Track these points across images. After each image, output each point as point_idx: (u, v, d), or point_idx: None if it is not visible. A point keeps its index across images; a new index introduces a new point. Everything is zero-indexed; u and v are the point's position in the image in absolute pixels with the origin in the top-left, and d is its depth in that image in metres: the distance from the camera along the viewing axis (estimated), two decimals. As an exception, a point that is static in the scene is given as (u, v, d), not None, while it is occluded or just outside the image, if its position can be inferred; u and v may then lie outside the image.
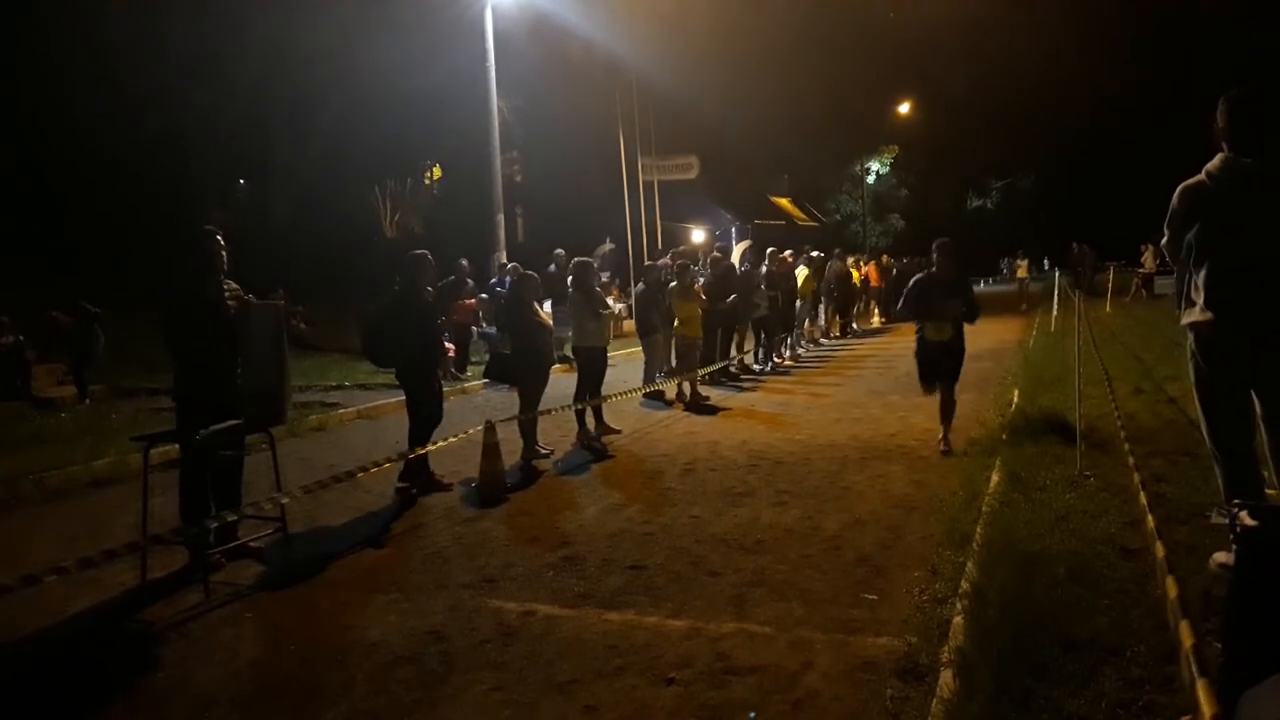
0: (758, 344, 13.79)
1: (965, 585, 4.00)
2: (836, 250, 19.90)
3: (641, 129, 21.73)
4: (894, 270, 24.17)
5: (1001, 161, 54.99)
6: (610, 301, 11.97)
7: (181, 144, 22.96)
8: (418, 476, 6.72)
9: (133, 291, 14.00)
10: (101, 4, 20.43)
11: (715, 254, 13.21)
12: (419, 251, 6.98)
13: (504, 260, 16.02)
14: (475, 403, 11.41)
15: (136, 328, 13.03)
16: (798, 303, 15.49)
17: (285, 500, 5.09)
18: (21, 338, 11.77)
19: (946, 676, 3.19)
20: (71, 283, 14.55)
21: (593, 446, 8.16)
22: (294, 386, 9.46)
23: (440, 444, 6.65)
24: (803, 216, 41.36)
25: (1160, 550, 3.02)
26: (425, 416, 6.82)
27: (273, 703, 3.54)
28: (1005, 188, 57.75)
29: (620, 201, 21.04)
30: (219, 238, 5.36)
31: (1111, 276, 23.32)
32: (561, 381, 9.47)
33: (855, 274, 20.89)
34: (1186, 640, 2.26)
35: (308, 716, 3.41)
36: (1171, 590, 2.59)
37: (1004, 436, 7.13)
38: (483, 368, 13.60)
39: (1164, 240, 4.14)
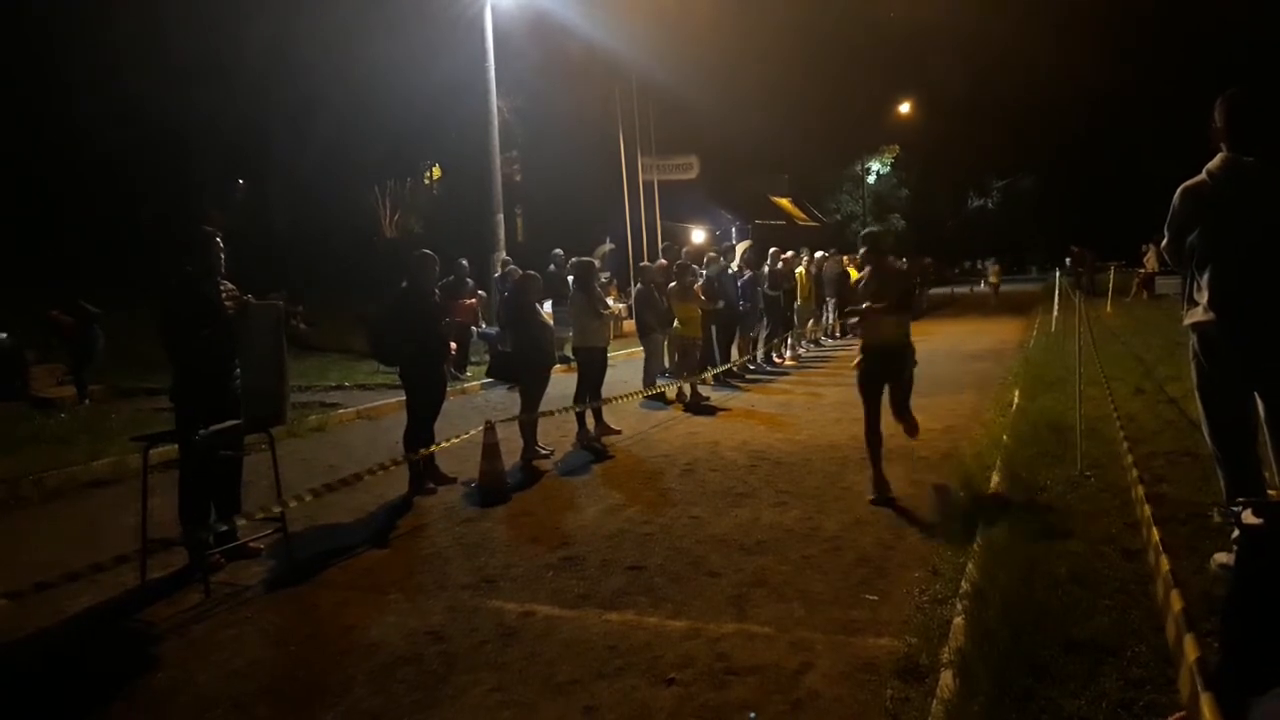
0: (753, 344, 13.77)
1: (965, 586, 4.00)
2: (832, 250, 19.91)
3: (641, 129, 21.72)
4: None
5: (1001, 161, 54.99)
6: (610, 301, 11.96)
7: (181, 144, 22.96)
8: (423, 480, 6.74)
9: (132, 291, 14.00)
10: (101, 4, 20.45)
11: (711, 254, 13.22)
12: (424, 251, 7.01)
13: (504, 260, 16.02)
14: (475, 403, 11.40)
15: (136, 328, 13.02)
16: (796, 303, 15.49)
17: (292, 505, 5.08)
18: (4, 335, 11.60)
19: (947, 677, 3.18)
20: (71, 283, 14.54)
21: (593, 447, 8.15)
22: (293, 387, 9.48)
23: (441, 444, 6.66)
24: (803, 216, 41.37)
25: (1165, 564, 3.00)
26: (423, 418, 6.83)
27: (273, 703, 3.53)
28: (1005, 188, 57.74)
29: (620, 201, 21.03)
30: (219, 240, 5.36)
31: (1112, 276, 23.31)
32: (561, 381, 9.46)
33: (853, 273, 20.88)
34: (1190, 654, 2.25)
35: (308, 716, 3.41)
36: (1176, 605, 2.58)
37: (1004, 437, 7.13)
38: (483, 368, 13.66)
39: (1164, 242, 4.12)
